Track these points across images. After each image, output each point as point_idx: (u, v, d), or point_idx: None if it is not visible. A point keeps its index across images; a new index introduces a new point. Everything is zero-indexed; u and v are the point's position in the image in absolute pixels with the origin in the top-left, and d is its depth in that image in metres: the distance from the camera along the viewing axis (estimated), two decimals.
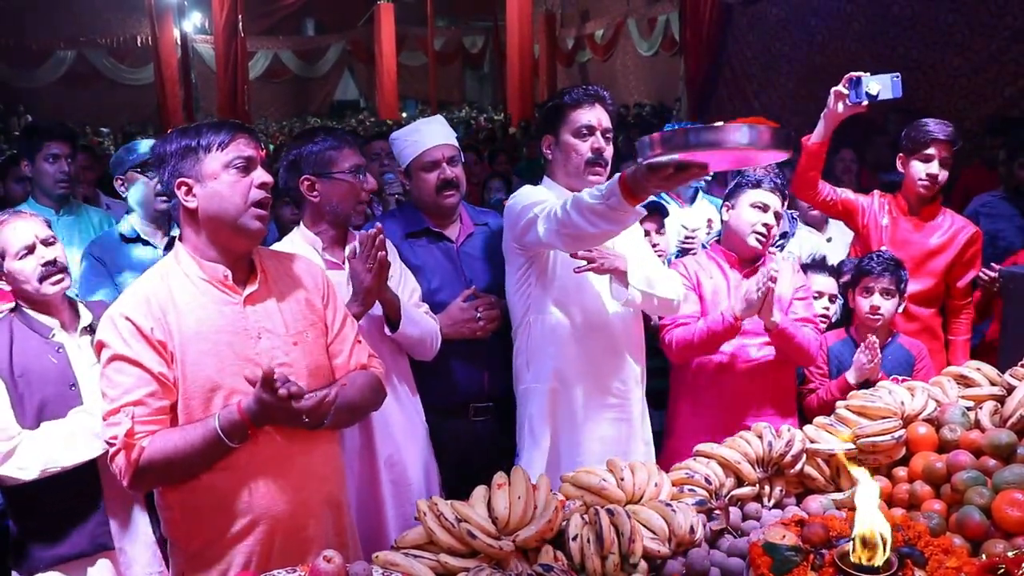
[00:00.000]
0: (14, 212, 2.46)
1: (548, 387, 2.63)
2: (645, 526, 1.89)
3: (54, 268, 2.34)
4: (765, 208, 2.82)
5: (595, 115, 2.60)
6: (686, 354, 2.80)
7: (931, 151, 3.23)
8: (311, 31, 24.03)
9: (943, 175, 3.26)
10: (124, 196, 3.21)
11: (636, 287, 2.52)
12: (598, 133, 2.60)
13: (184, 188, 1.90)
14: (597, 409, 2.65)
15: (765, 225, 2.81)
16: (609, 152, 2.63)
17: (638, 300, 2.54)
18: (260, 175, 1.92)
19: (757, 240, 2.82)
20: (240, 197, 1.89)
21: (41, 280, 2.32)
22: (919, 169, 3.27)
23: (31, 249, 2.34)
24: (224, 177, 1.88)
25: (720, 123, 1.85)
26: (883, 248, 3.24)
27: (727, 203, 2.93)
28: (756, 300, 2.63)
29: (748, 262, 2.88)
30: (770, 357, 2.83)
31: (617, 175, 2.14)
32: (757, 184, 2.85)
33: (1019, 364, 2.42)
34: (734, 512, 2.10)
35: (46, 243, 2.37)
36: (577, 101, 2.60)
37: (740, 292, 2.73)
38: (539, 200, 2.52)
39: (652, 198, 3.18)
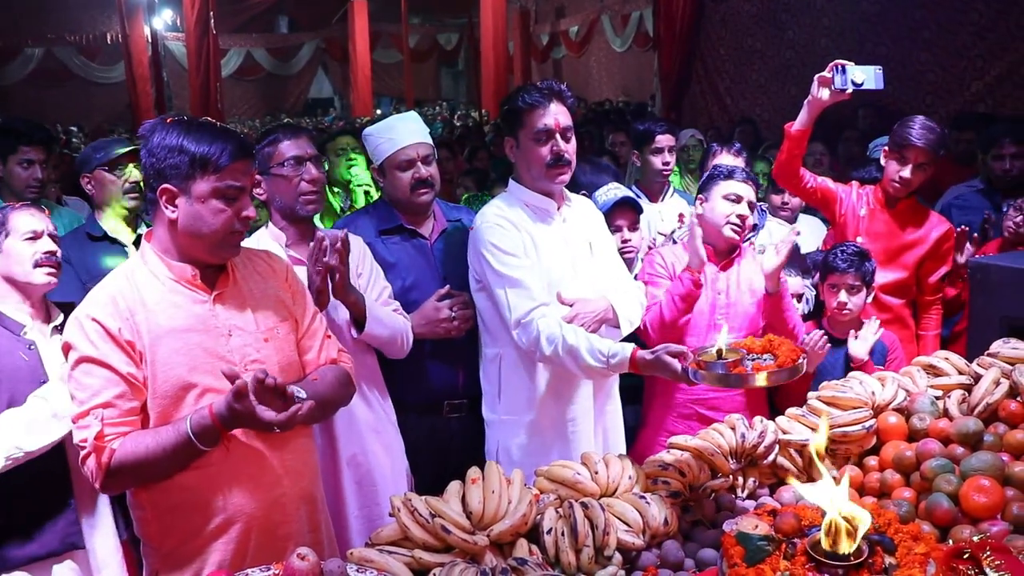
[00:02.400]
0: (27, 204, 2.55)
1: (525, 419, 2.62)
2: (619, 519, 1.90)
3: (52, 259, 2.38)
4: (738, 199, 2.83)
5: (552, 116, 2.51)
6: (663, 332, 2.77)
7: (908, 154, 3.21)
8: (284, 28, 23.80)
9: (916, 179, 3.25)
10: (91, 195, 3.15)
11: (625, 326, 2.61)
12: (557, 135, 2.52)
13: (166, 196, 1.84)
14: (574, 428, 2.63)
15: (739, 216, 2.83)
16: (571, 150, 2.56)
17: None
18: (245, 209, 1.88)
19: (732, 231, 2.84)
20: (222, 226, 1.85)
21: (35, 266, 2.35)
22: (893, 169, 3.27)
23: (37, 236, 2.38)
24: (211, 203, 1.83)
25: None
26: (859, 239, 3.26)
27: (700, 195, 2.93)
28: (697, 246, 2.67)
29: (724, 253, 2.90)
30: None
31: (629, 351, 2.24)
32: (729, 175, 2.86)
33: (985, 353, 2.46)
34: (708, 503, 2.11)
35: (52, 238, 2.43)
36: (532, 104, 2.52)
37: (715, 282, 2.81)
38: (515, 272, 2.49)
39: (627, 193, 3.20)
